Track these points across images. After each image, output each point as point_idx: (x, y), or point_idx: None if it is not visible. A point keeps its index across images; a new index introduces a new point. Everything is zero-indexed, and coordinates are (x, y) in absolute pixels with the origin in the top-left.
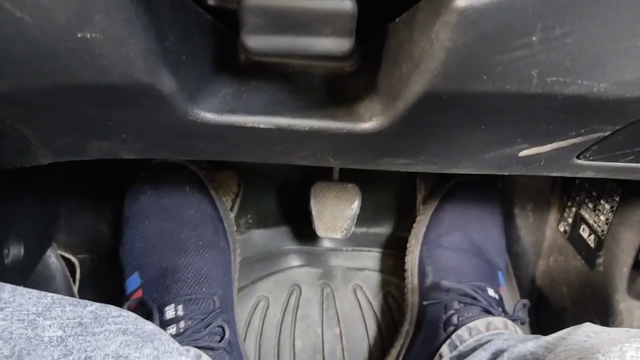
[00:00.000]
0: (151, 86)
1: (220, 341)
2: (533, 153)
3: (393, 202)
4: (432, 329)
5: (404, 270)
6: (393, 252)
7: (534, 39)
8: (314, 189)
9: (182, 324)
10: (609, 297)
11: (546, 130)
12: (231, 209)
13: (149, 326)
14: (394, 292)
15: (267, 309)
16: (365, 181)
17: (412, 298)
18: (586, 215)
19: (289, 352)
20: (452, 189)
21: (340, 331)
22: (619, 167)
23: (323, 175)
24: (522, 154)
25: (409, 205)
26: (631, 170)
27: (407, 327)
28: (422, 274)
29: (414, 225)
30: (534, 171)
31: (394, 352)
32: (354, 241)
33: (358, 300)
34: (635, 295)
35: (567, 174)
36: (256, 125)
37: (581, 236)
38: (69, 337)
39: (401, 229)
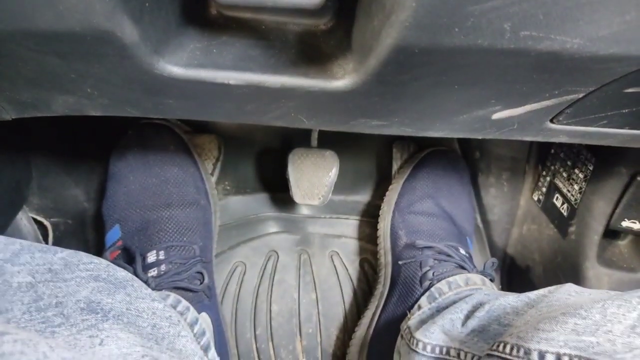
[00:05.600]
0: (112, 34)
1: (200, 284)
2: (506, 116)
3: (371, 170)
4: (407, 285)
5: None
6: (370, 220)
7: None
8: (291, 156)
9: (163, 267)
10: (579, 265)
11: (519, 91)
12: (212, 173)
13: (121, 273)
14: (370, 258)
15: (244, 274)
16: (343, 149)
17: (385, 260)
18: (560, 185)
19: (265, 317)
20: (424, 159)
21: (317, 296)
22: (592, 132)
23: (301, 141)
24: (496, 116)
25: (386, 173)
26: (604, 136)
27: (381, 289)
28: (394, 237)
29: (387, 193)
30: (507, 135)
31: (368, 313)
32: (332, 208)
33: (335, 266)
34: (605, 262)
35: (540, 139)
36: (226, 82)
37: (554, 205)
38: (39, 283)
39: (379, 197)
